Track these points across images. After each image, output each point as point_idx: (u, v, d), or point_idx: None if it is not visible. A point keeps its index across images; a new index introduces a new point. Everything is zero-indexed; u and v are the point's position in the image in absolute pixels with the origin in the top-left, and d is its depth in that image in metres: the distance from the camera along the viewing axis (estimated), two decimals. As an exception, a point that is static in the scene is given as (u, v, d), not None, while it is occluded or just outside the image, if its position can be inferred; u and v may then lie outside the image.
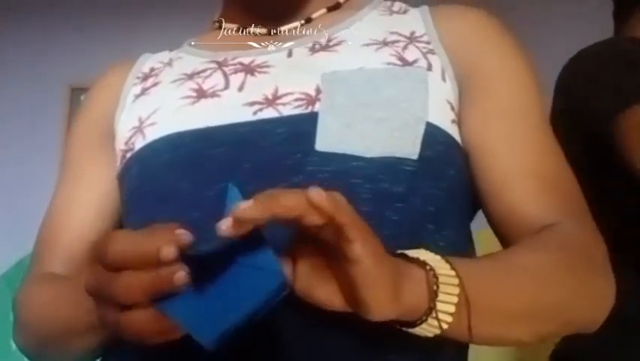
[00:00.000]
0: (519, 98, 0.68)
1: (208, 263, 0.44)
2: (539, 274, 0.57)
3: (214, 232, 0.43)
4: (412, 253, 0.51)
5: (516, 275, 0.57)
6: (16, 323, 0.73)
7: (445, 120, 0.64)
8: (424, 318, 0.50)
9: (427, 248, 0.53)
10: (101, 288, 0.44)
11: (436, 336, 0.51)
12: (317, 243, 0.46)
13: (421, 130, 0.62)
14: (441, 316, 0.49)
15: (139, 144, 0.68)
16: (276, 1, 0.74)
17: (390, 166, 0.58)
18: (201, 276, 0.43)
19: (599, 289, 0.62)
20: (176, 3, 2.56)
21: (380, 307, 0.47)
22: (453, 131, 0.65)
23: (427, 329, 0.50)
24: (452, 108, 0.66)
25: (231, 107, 0.66)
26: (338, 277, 0.47)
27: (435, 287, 0.49)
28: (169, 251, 0.41)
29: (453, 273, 0.50)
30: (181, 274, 0.41)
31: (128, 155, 0.69)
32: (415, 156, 0.60)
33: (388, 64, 0.66)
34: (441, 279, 0.49)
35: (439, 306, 0.49)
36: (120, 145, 0.72)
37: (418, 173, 0.59)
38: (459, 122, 0.66)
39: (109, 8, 2.59)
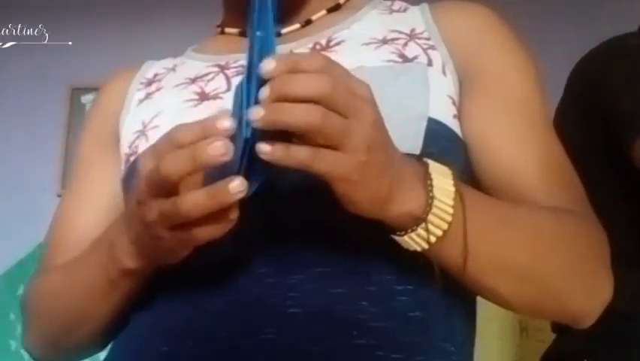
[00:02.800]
0: (520, 92, 0.68)
1: None
2: (544, 238, 0.58)
3: None
4: (434, 170, 0.53)
5: (520, 229, 0.58)
6: (26, 318, 0.74)
7: (447, 115, 0.64)
8: (403, 233, 0.53)
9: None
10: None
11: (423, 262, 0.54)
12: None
13: (422, 125, 0.62)
14: (420, 240, 0.52)
15: (142, 147, 0.69)
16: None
17: None
18: None
19: (598, 279, 0.62)
20: (177, 3, 2.56)
21: (355, 208, 0.50)
22: (455, 126, 0.65)
23: (405, 243, 0.53)
24: (454, 103, 0.66)
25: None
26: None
27: (424, 215, 0.51)
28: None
29: (450, 210, 0.52)
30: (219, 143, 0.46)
31: (132, 158, 0.70)
32: (417, 151, 0.60)
33: (388, 61, 0.66)
34: (434, 210, 0.52)
35: (421, 232, 0.52)
36: (124, 149, 0.73)
37: None
38: (460, 116, 0.67)
39: (109, 8, 2.59)
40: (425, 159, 0.54)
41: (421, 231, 0.52)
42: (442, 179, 0.53)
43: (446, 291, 0.59)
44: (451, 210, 0.52)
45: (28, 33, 2.60)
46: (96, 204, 0.75)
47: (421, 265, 0.56)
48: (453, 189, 0.52)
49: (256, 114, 0.45)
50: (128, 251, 0.56)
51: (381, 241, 0.55)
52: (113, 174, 0.74)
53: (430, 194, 0.52)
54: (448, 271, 0.56)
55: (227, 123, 0.47)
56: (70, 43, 2.56)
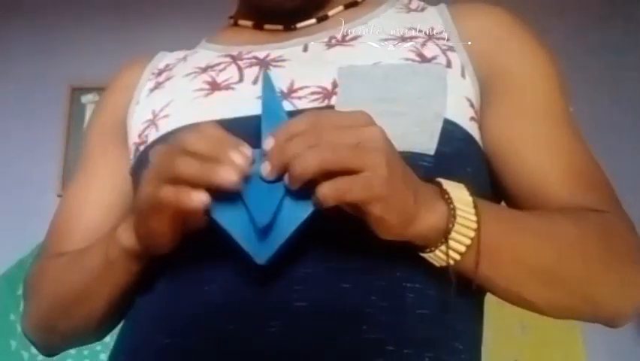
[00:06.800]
0: (543, 96, 0.67)
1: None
2: (568, 240, 0.58)
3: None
4: (448, 185, 0.54)
5: (543, 234, 0.58)
6: (27, 299, 0.75)
7: (463, 117, 0.64)
8: (432, 248, 0.53)
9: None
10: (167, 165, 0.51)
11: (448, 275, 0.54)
12: None
13: (438, 126, 0.61)
14: (451, 253, 0.53)
15: (152, 136, 0.69)
16: (292, 4, 0.73)
17: (406, 161, 0.59)
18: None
19: (630, 278, 0.61)
20: (178, 4, 2.56)
21: (389, 230, 0.51)
22: (471, 128, 0.64)
23: (435, 259, 0.54)
24: (471, 105, 0.65)
25: (246, 99, 0.66)
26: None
27: (451, 225, 0.52)
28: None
29: (474, 218, 0.52)
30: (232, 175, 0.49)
31: (142, 148, 0.70)
32: (431, 152, 0.60)
33: (406, 60, 0.66)
34: (459, 220, 0.52)
35: (451, 244, 0.53)
36: (134, 138, 0.73)
37: (434, 169, 0.59)
38: (480, 120, 0.66)
39: (109, 8, 2.59)
40: (437, 179, 0.55)
41: (450, 243, 0.52)
42: (458, 191, 0.53)
43: (456, 289, 0.59)
44: (474, 218, 0.52)
45: (28, 33, 2.60)
46: (102, 195, 0.75)
47: (430, 263, 0.56)
48: (470, 199, 0.53)
49: (268, 173, 0.50)
50: (128, 231, 0.58)
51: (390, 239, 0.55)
52: (120, 165, 0.74)
53: (452, 205, 0.52)
54: (473, 280, 0.56)
55: (247, 152, 0.51)
56: (70, 43, 2.56)
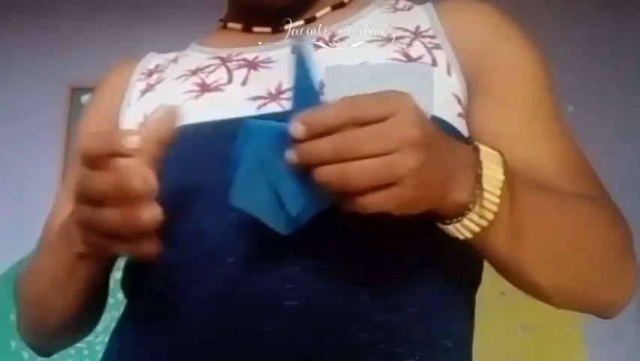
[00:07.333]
0: (531, 89, 0.68)
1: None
2: (584, 221, 0.58)
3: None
4: (485, 156, 0.52)
5: (565, 215, 0.58)
6: (18, 310, 0.75)
7: (451, 114, 0.64)
8: (453, 220, 0.52)
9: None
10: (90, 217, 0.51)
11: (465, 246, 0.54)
12: None
13: None
14: (469, 227, 0.52)
15: None
16: (283, 3, 0.74)
17: None
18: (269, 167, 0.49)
19: (628, 267, 0.62)
20: (178, 4, 2.56)
21: (415, 209, 0.49)
22: (459, 124, 0.65)
23: (452, 231, 0.53)
24: (459, 102, 0.66)
25: (235, 101, 0.66)
26: None
27: (473, 205, 0.51)
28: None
29: (497, 200, 0.51)
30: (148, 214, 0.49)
31: None
32: None
33: (392, 60, 0.66)
34: (482, 201, 0.51)
35: (466, 222, 0.52)
36: None
37: None
38: (467, 115, 0.66)
39: (109, 8, 2.59)
40: (477, 144, 0.53)
41: (466, 221, 0.52)
42: (493, 167, 0.52)
43: (446, 288, 0.59)
44: (497, 201, 0.51)
45: (28, 32, 2.60)
46: None
47: (421, 262, 0.56)
48: (502, 177, 0.52)
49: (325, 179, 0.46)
50: (79, 236, 0.57)
51: (383, 237, 0.55)
52: None
53: (479, 184, 0.51)
54: (495, 257, 0.56)
55: (135, 139, 0.50)
56: (70, 43, 2.56)
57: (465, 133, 0.65)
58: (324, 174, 0.46)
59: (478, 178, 0.51)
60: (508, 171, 0.52)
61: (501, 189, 0.51)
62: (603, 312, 0.63)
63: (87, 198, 0.51)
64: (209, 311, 0.56)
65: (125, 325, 0.64)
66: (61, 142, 2.42)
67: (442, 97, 0.64)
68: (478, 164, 0.51)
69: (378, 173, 0.45)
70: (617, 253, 0.61)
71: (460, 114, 0.65)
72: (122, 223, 0.49)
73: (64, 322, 0.68)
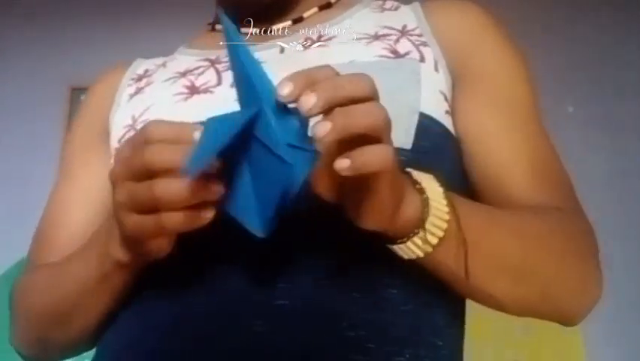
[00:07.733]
0: (510, 91, 0.69)
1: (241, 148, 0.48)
2: (536, 237, 0.58)
3: None
4: (419, 176, 0.53)
5: (508, 230, 0.58)
6: (15, 316, 0.73)
7: (438, 111, 0.65)
8: (405, 239, 0.52)
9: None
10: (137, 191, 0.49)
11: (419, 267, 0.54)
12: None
13: (414, 120, 0.62)
14: (422, 245, 0.52)
15: None
16: (267, 3, 0.74)
17: None
18: (237, 166, 0.49)
19: (589, 277, 0.62)
20: (176, 3, 2.56)
21: (375, 220, 0.49)
22: (447, 121, 0.65)
23: (406, 251, 0.53)
24: (445, 99, 0.66)
25: (224, 102, 0.66)
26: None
27: (425, 216, 0.51)
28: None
29: (446, 209, 0.51)
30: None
31: None
32: (408, 146, 0.61)
33: (380, 57, 0.67)
34: (432, 211, 0.51)
35: (420, 237, 0.51)
36: (114, 144, 0.73)
37: (411, 163, 0.59)
38: (453, 114, 0.67)
39: (109, 8, 2.59)
40: (406, 169, 0.54)
41: (422, 234, 0.51)
42: (429, 182, 0.53)
43: (437, 287, 0.59)
44: (447, 209, 0.52)
45: (28, 33, 2.60)
46: (85, 202, 0.75)
47: (411, 261, 0.56)
48: (441, 190, 0.52)
49: (323, 131, 0.44)
50: (120, 244, 0.56)
51: (373, 236, 0.55)
52: (103, 171, 0.74)
53: (424, 196, 0.51)
54: (445, 278, 0.56)
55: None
56: (70, 43, 2.56)
57: (452, 131, 0.66)
58: (323, 128, 0.44)
59: (421, 192, 0.51)
60: (443, 185, 0.53)
61: (445, 198, 0.52)
62: (564, 321, 0.64)
63: (135, 174, 0.49)
64: (198, 315, 0.56)
65: (115, 326, 0.64)
66: (61, 142, 2.42)
67: (431, 94, 0.65)
68: (414, 181, 0.52)
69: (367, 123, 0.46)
70: (575, 266, 0.61)
71: (447, 112, 0.66)
72: (181, 188, 0.47)
73: (88, 330, 0.66)
